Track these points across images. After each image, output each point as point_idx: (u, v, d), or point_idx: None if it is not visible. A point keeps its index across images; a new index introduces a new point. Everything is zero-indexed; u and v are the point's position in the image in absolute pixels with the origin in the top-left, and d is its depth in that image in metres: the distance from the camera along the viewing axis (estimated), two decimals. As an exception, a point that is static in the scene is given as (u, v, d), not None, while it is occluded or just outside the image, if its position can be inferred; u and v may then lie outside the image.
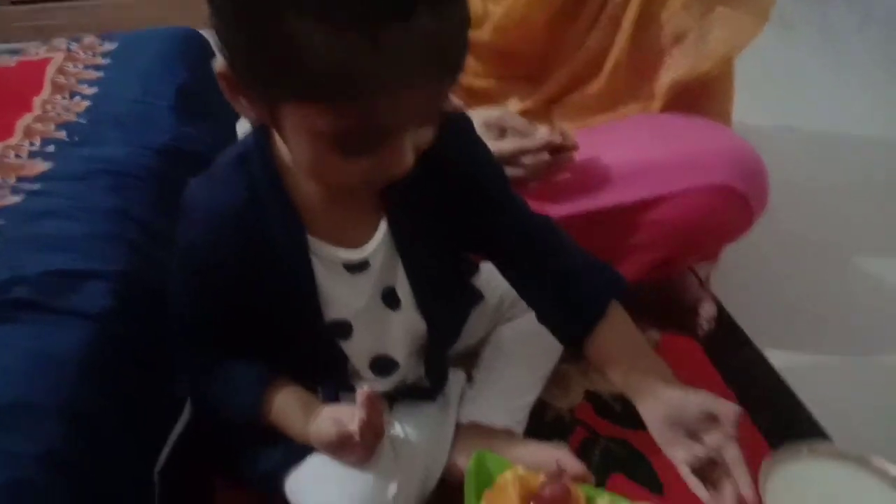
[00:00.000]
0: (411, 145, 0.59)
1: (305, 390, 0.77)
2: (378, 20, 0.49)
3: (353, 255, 0.71)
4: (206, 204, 0.69)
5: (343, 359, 0.78)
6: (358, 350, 0.78)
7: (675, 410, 0.69)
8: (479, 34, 1.08)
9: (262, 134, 0.68)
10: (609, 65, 1.05)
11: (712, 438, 0.68)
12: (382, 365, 0.80)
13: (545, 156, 0.91)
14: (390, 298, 0.75)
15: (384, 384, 0.82)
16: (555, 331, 0.78)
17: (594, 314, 0.73)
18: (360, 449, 0.71)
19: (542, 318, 0.79)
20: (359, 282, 0.73)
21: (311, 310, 0.72)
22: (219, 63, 0.58)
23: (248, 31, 0.53)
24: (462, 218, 0.74)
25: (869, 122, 1.76)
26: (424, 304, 0.76)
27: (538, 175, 0.93)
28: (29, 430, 0.63)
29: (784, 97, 1.87)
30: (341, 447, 0.71)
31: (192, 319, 0.74)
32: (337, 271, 0.71)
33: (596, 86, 1.07)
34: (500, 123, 0.93)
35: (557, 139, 0.91)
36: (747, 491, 0.65)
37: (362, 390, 0.68)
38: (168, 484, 0.78)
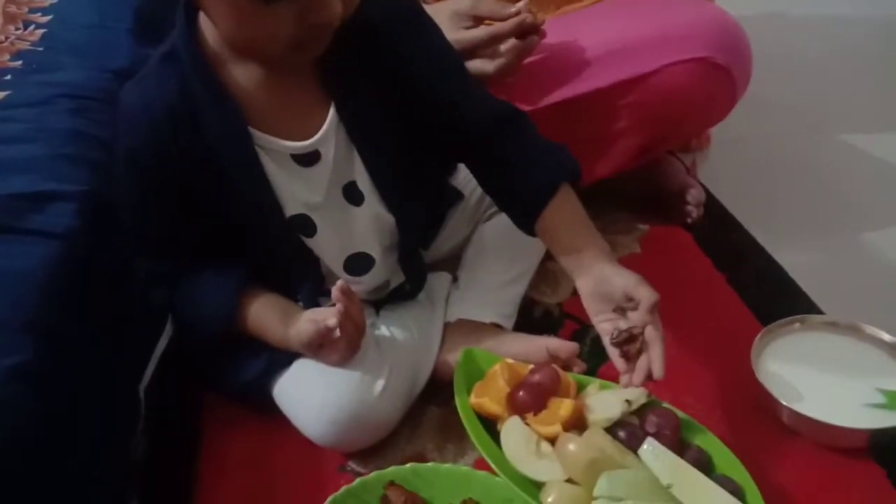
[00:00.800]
0: None
1: (283, 298, 0.76)
2: None
3: (301, 145, 0.69)
4: (138, 105, 0.68)
5: (314, 259, 0.76)
6: (327, 248, 0.76)
7: (602, 286, 0.71)
8: None
9: (187, 27, 0.66)
10: None
11: (635, 317, 0.69)
12: (357, 264, 0.78)
13: (517, 42, 0.87)
14: (352, 192, 0.73)
15: (364, 286, 0.80)
16: (511, 216, 0.78)
17: (543, 197, 0.73)
18: (341, 344, 0.70)
19: (500, 205, 0.80)
20: (312, 175, 0.71)
21: (268, 204, 0.71)
22: None
23: None
24: (414, 107, 0.72)
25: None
26: (388, 197, 0.74)
27: (511, 65, 0.89)
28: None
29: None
30: (322, 345, 0.71)
31: (146, 228, 0.73)
32: (286, 164, 0.69)
33: None
34: (472, 12, 0.89)
35: (530, 17, 0.87)
36: (657, 369, 0.67)
37: (337, 284, 0.67)
38: (154, 400, 0.77)
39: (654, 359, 0.67)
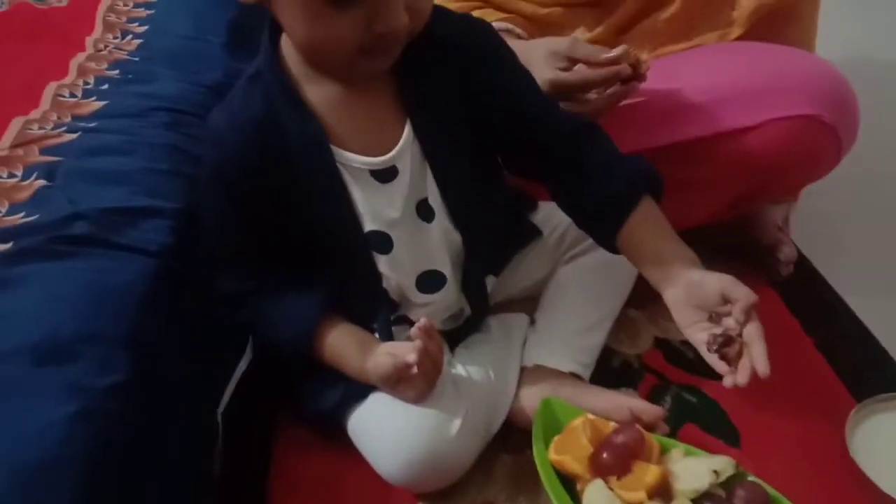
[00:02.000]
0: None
1: (360, 328, 0.76)
2: None
3: (379, 160, 0.69)
4: (226, 124, 0.70)
5: (382, 278, 0.75)
6: (400, 266, 0.75)
7: (694, 292, 0.69)
8: None
9: (271, 49, 0.68)
10: None
11: (731, 320, 0.67)
12: (429, 281, 0.77)
13: (614, 88, 0.85)
14: (424, 209, 0.73)
15: (437, 306, 0.79)
16: (591, 231, 0.78)
17: (625, 207, 0.72)
18: (419, 380, 0.70)
19: (579, 220, 0.79)
20: (390, 191, 0.71)
21: (348, 219, 0.71)
22: None
23: None
24: (489, 122, 0.73)
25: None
26: (457, 214, 0.74)
27: (604, 109, 0.87)
28: (96, 361, 0.62)
29: (857, 24, 1.75)
30: (400, 380, 0.70)
31: (230, 246, 0.74)
32: (365, 180, 0.70)
33: (669, 11, 0.99)
34: (569, 53, 0.86)
35: (627, 70, 0.84)
36: (761, 365, 0.66)
37: (418, 322, 0.67)
38: (230, 424, 0.77)
39: (756, 357, 0.66)
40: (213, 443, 0.75)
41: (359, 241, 0.72)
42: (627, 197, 0.72)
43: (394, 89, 0.69)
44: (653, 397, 0.86)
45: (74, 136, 0.87)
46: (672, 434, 0.79)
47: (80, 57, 1.04)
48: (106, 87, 0.98)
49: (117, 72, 1.01)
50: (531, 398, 0.79)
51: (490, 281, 0.83)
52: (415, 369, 0.69)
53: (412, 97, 0.69)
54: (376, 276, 0.75)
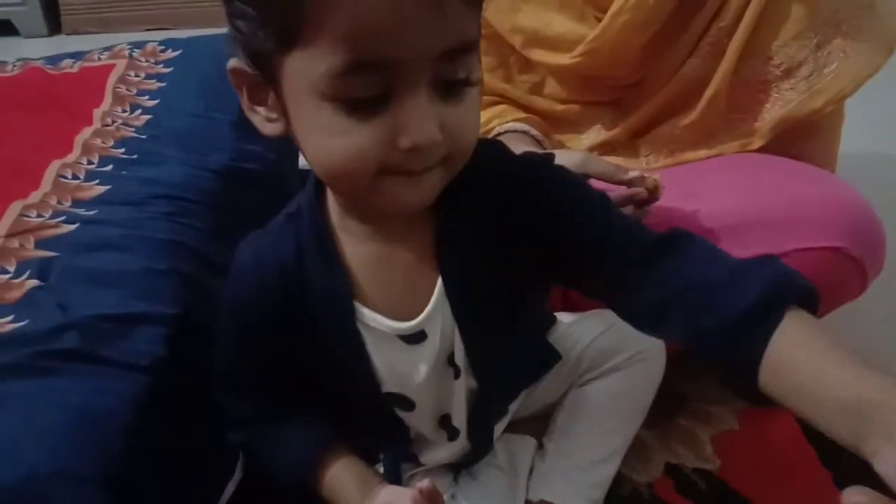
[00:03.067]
0: (432, 110, 0.50)
1: (363, 463, 0.71)
2: None
3: (407, 326, 0.64)
4: (252, 259, 0.65)
5: (404, 428, 0.72)
6: (422, 418, 0.71)
7: None
8: (563, 57, 0.99)
9: (314, 191, 0.62)
10: (707, 96, 0.95)
11: None
12: (448, 425, 0.73)
13: (628, 209, 0.82)
14: (452, 364, 0.67)
15: (454, 450, 0.75)
16: (716, 360, 0.56)
17: (763, 319, 0.51)
18: None
19: (692, 344, 0.56)
20: (417, 353, 0.65)
21: (365, 382, 0.66)
22: (232, 61, 0.54)
23: None
24: (549, 264, 0.63)
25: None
26: (479, 369, 0.68)
27: None
28: (72, 502, 0.59)
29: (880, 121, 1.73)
30: None
31: (237, 372, 0.70)
32: (390, 341, 0.64)
33: (689, 118, 0.97)
34: (582, 170, 0.83)
35: (643, 194, 0.81)
36: None
37: (419, 484, 0.62)
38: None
39: None
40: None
41: (376, 399, 0.68)
42: (763, 304, 0.51)
43: (431, 240, 0.63)
44: (663, 532, 0.81)
45: (73, 227, 0.84)
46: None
47: (86, 132, 1.02)
48: (110, 167, 0.95)
49: (123, 150, 0.99)
50: (536, 537, 0.74)
51: (499, 426, 0.79)
52: None
53: (447, 250, 0.62)
54: (395, 424, 0.71)
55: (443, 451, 0.75)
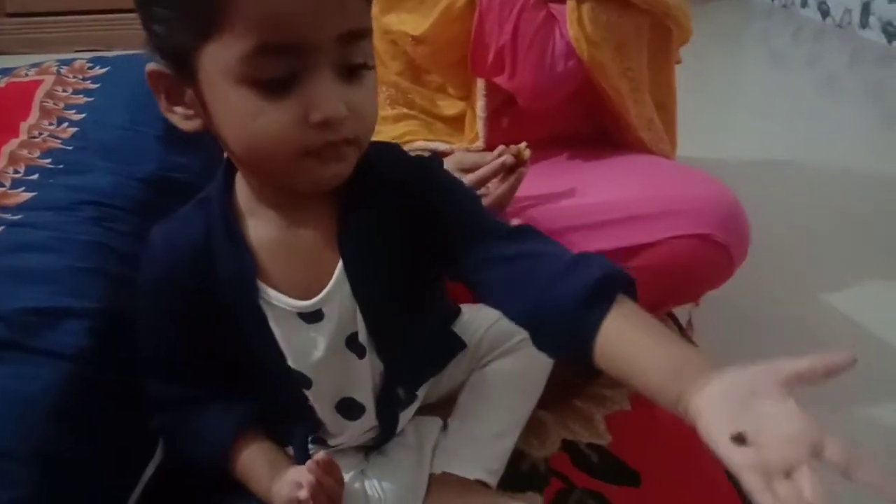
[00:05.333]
0: (337, 89, 0.58)
1: (275, 446, 0.76)
2: None
3: (305, 304, 0.70)
4: (163, 241, 0.72)
5: (309, 407, 0.77)
6: (321, 397, 0.77)
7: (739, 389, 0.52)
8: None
9: (223, 178, 0.70)
10: None
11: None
12: (348, 407, 0.79)
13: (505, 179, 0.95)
14: (354, 344, 0.74)
15: (356, 430, 0.81)
16: (554, 343, 0.65)
17: (598, 302, 0.59)
18: None
19: (537, 340, 0.66)
20: (315, 332, 0.72)
21: (272, 358, 0.72)
22: (149, 65, 0.61)
23: None
24: (432, 252, 0.71)
25: (856, 157, 1.79)
26: (383, 349, 0.75)
27: (505, 196, 0.96)
28: (-1, 476, 0.62)
29: (774, 131, 1.91)
30: None
31: (158, 352, 0.75)
32: (291, 321, 0.71)
33: None
34: (459, 167, 0.97)
35: (510, 160, 0.95)
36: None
37: (316, 455, 0.68)
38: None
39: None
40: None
41: (283, 375, 0.73)
42: (598, 290, 0.60)
43: (333, 227, 0.69)
44: (557, 501, 0.89)
45: (-1, 229, 0.87)
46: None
47: (12, 143, 1.05)
48: (36, 176, 0.98)
49: (49, 160, 1.02)
50: (438, 507, 0.81)
51: (409, 410, 0.85)
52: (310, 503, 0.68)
53: (347, 236, 0.69)
54: (301, 402, 0.76)
55: (347, 433, 0.81)
